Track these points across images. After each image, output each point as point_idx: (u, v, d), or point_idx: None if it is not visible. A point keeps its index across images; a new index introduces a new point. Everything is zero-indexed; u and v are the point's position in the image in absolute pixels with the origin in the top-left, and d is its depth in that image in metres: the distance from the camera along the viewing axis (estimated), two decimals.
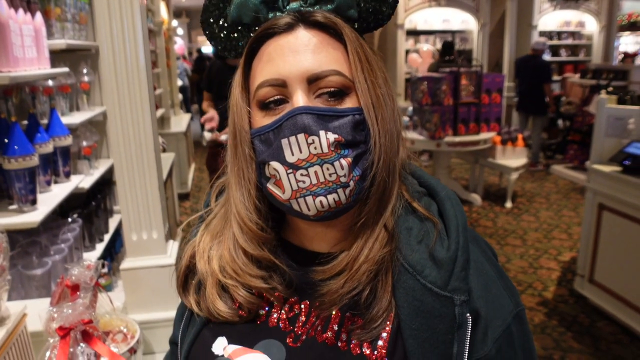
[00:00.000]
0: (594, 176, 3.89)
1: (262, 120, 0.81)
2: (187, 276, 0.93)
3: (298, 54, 0.78)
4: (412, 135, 6.10)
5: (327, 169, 0.75)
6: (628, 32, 12.33)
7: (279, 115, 0.78)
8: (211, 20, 0.89)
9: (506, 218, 6.24)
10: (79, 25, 3.03)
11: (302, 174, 0.75)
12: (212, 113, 4.27)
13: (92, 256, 2.81)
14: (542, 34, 10.45)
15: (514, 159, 6.51)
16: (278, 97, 0.79)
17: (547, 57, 9.60)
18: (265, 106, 0.80)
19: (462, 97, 5.89)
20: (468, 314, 0.76)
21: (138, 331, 1.94)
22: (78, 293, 1.71)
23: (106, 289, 2.38)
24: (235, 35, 0.89)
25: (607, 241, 3.83)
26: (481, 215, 6.32)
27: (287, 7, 0.83)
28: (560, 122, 9.47)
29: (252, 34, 0.85)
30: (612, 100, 3.96)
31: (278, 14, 0.82)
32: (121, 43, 2.25)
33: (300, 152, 0.75)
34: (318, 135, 0.74)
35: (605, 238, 3.84)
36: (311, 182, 0.75)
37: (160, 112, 6.40)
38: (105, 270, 2.68)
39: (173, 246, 2.58)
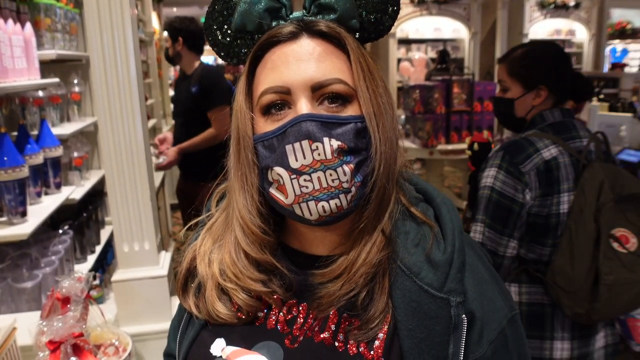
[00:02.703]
0: None
1: (265, 126, 0.82)
2: (187, 279, 0.95)
3: (302, 62, 0.79)
4: (404, 143, 6.09)
5: (330, 174, 0.76)
6: (618, 40, 12.45)
7: (282, 121, 0.80)
8: (214, 27, 0.90)
9: None
10: (69, 36, 3.02)
11: (305, 180, 0.77)
12: (165, 134, 3.90)
13: (83, 268, 2.78)
14: None
15: None
16: (280, 102, 0.80)
17: None
18: (268, 111, 0.81)
19: (455, 105, 5.91)
20: (464, 315, 0.78)
21: (130, 344, 1.92)
22: (69, 306, 1.69)
23: (98, 302, 2.36)
24: (238, 42, 0.90)
25: None
26: None
27: (291, 16, 0.84)
28: None
29: (255, 42, 0.86)
30: (603, 108, 3.99)
31: (281, 22, 0.84)
32: (112, 53, 2.23)
33: (304, 158, 0.76)
34: (322, 142, 0.76)
35: None
36: (314, 188, 0.77)
37: (152, 122, 6.39)
38: (96, 282, 2.65)
39: (165, 257, 2.56)
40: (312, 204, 0.77)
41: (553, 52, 2.08)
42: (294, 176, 0.77)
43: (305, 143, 0.76)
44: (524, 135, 2.02)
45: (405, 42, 9.83)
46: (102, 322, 1.92)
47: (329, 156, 0.76)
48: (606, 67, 11.49)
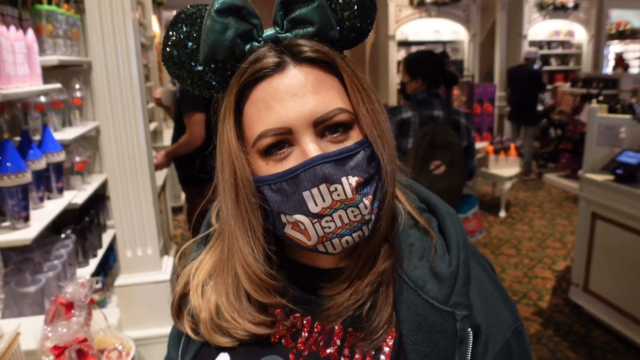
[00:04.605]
0: (586, 185, 3.91)
1: (268, 168, 0.77)
2: (180, 304, 0.92)
3: (298, 98, 0.74)
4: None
5: (352, 211, 0.74)
6: (617, 41, 12.46)
7: (286, 161, 0.76)
8: (177, 56, 0.82)
9: (500, 227, 6.25)
10: (70, 41, 3.03)
11: (327, 221, 0.74)
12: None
13: (85, 272, 2.79)
14: (532, 43, 10.53)
15: (507, 168, 6.53)
16: (280, 141, 0.76)
17: (537, 66, 9.67)
18: (267, 152, 0.76)
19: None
20: (469, 329, 0.77)
21: (133, 348, 1.92)
22: (73, 311, 1.70)
23: (100, 305, 2.36)
24: (207, 72, 0.82)
25: (601, 250, 3.84)
26: None
27: (263, 36, 0.78)
28: (552, 131, 9.52)
29: (226, 69, 0.81)
30: (603, 109, 3.99)
31: (255, 44, 0.78)
32: (114, 58, 2.24)
33: (324, 201, 0.73)
34: (340, 183, 0.72)
35: (599, 247, 3.85)
36: (336, 226, 0.74)
37: (153, 125, 6.40)
38: (99, 286, 2.66)
39: (168, 262, 2.57)
40: (335, 240, 0.75)
41: (427, 56, 3.41)
42: (315, 220, 0.74)
43: (323, 187, 0.72)
44: (402, 105, 3.31)
45: (405, 44, 9.84)
46: (105, 326, 1.92)
47: (350, 195, 0.73)
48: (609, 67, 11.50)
